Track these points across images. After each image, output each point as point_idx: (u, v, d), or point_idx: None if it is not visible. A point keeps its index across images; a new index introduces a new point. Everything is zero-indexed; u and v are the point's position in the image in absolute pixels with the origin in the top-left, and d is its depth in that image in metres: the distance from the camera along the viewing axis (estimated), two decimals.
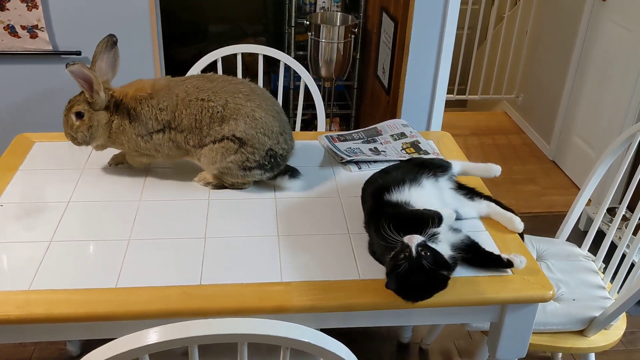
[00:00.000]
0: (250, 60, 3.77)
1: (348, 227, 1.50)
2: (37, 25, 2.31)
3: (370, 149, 1.85)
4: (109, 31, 2.36)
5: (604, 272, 1.87)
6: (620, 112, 2.97)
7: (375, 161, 1.78)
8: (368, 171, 1.75)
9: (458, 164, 1.59)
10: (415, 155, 1.81)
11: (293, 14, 3.27)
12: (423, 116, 2.77)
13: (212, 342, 0.91)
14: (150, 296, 1.25)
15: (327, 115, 3.43)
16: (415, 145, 1.86)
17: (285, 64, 2.15)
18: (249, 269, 1.34)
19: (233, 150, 1.55)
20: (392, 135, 1.92)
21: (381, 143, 1.88)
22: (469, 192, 1.55)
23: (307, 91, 2.17)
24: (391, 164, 1.64)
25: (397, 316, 1.33)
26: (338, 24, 3.18)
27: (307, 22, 3.13)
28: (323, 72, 3.16)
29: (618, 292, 1.76)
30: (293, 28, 3.30)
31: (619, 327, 1.72)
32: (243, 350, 0.95)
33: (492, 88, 4.26)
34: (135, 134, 1.57)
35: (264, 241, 1.43)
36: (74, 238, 1.42)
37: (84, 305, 1.22)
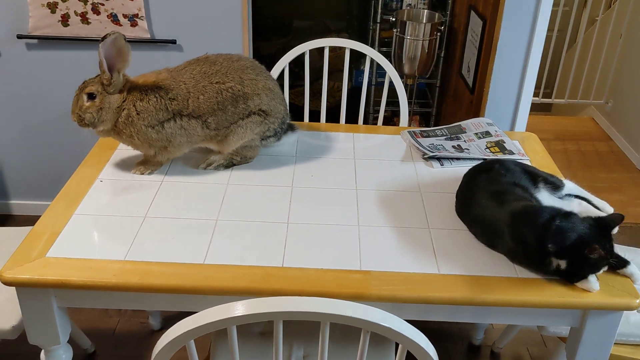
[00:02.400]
0: (331, 56, 3.82)
1: (428, 222, 1.51)
2: (137, 14, 2.44)
3: (454, 146, 1.84)
4: (203, 22, 2.48)
5: None
6: None
7: (458, 158, 1.78)
8: (450, 168, 1.75)
9: (572, 186, 1.57)
10: (500, 155, 1.79)
11: (379, 11, 3.28)
12: (507, 117, 2.72)
13: (296, 319, 0.95)
14: (235, 274, 1.31)
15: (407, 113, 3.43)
16: (500, 145, 1.84)
17: (371, 59, 2.17)
18: (329, 255, 1.37)
19: (259, 122, 1.66)
20: (476, 134, 1.91)
21: (465, 141, 1.88)
22: (557, 189, 1.52)
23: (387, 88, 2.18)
24: (480, 162, 1.63)
25: (475, 313, 1.33)
26: (424, 21, 3.16)
27: (393, 19, 3.13)
28: (406, 69, 3.15)
29: None
30: (378, 24, 3.32)
31: None
32: (325, 330, 0.98)
33: (580, 93, 4.12)
34: (144, 125, 1.57)
35: (344, 230, 1.47)
36: (166, 215, 1.50)
37: (174, 277, 1.29)
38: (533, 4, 2.48)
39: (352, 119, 2.33)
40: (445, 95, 3.41)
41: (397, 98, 2.21)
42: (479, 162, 1.74)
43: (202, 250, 1.37)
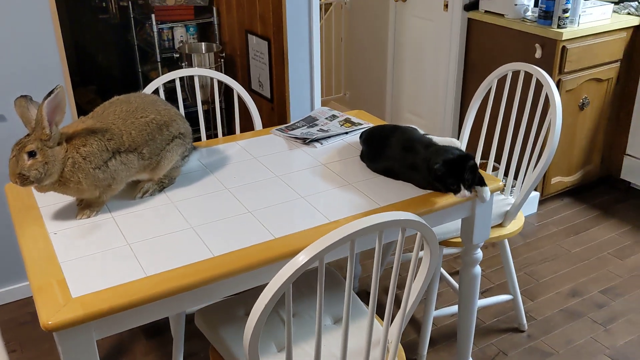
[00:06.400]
0: None
1: (347, 180, 1.94)
2: None
3: (318, 130, 2.30)
4: (23, 90, 2.48)
5: None
6: (440, 81, 3.80)
7: (329, 136, 2.25)
8: (328, 145, 2.21)
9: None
10: (354, 127, 2.31)
11: (158, 52, 3.56)
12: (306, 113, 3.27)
13: (382, 229, 1.32)
14: (249, 253, 1.57)
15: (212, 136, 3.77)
16: (349, 121, 2.37)
17: (225, 84, 2.50)
18: (300, 221, 1.72)
19: (180, 144, 1.93)
20: (326, 118, 2.40)
21: (322, 125, 2.35)
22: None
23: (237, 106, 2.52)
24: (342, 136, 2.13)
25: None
26: (204, 52, 3.54)
27: (177, 55, 3.44)
28: (202, 97, 3.50)
29: (510, 194, 2.46)
30: (159, 63, 3.59)
31: (520, 217, 2.40)
32: (403, 236, 1.37)
33: (324, 90, 4.94)
34: (92, 167, 1.71)
35: (295, 203, 1.82)
36: (146, 237, 1.65)
37: (206, 271, 1.50)
38: (306, 21, 3.07)
39: None
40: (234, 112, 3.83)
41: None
42: (345, 135, 2.24)
43: (204, 248, 1.59)
